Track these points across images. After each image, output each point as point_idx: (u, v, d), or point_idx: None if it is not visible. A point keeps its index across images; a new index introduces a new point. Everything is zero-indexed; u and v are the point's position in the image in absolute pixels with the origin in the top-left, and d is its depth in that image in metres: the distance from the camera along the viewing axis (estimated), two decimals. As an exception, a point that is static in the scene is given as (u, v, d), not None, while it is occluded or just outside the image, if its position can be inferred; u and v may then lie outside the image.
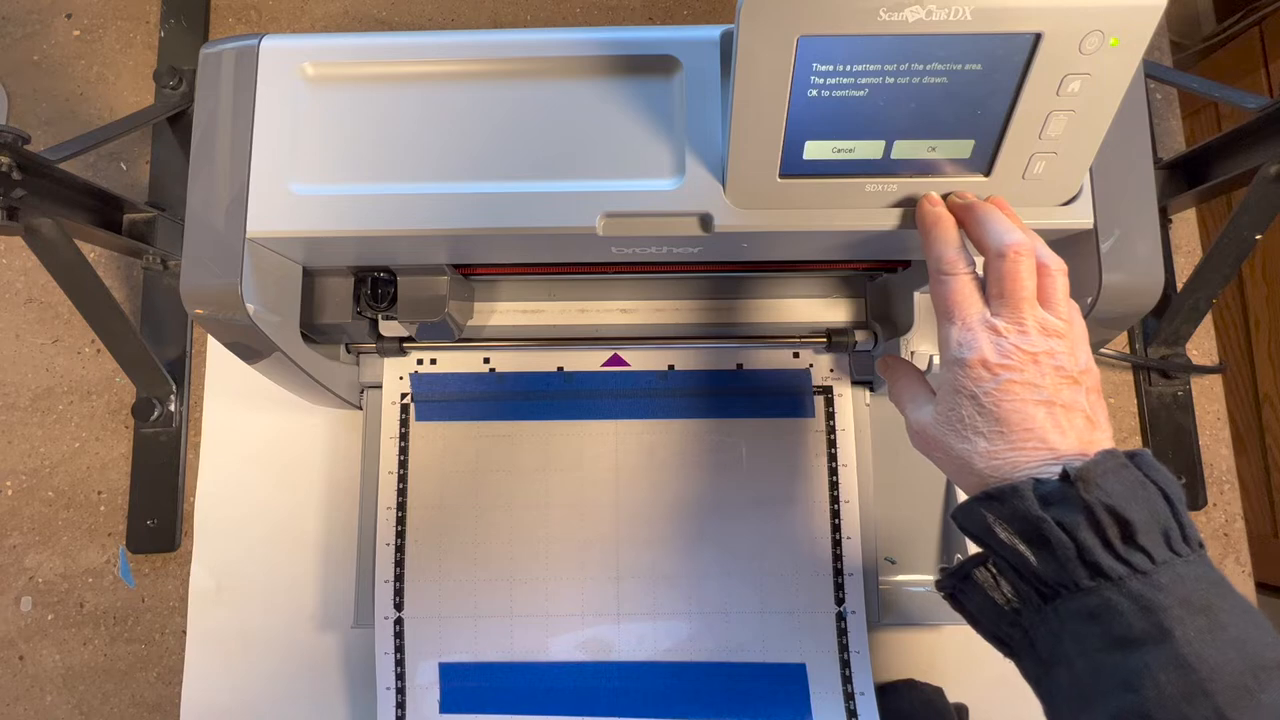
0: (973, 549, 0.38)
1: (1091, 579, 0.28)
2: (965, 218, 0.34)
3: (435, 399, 0.53)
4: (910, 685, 0.52)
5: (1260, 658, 0.26)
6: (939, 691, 0.52)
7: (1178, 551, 0.28)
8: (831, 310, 0.54)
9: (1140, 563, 0.28)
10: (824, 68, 0.31)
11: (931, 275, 0.34)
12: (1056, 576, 0.29)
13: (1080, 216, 0.36)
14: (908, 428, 0.37)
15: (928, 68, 0.31)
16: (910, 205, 0.36)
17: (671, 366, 0.53)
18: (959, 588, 0.33)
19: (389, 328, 0.52)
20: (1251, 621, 0.28)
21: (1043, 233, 0.36)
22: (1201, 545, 0.29)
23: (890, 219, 0.36)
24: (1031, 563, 0.30)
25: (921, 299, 0.45)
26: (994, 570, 0.32)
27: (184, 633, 0.57)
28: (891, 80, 0.31)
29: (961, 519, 0.33)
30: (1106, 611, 0.28)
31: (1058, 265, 0.33)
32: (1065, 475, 0.29)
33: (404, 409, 0.53)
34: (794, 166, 0.34)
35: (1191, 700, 0.25)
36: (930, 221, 0.34)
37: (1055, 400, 0.31)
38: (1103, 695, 0.27)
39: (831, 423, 0.52)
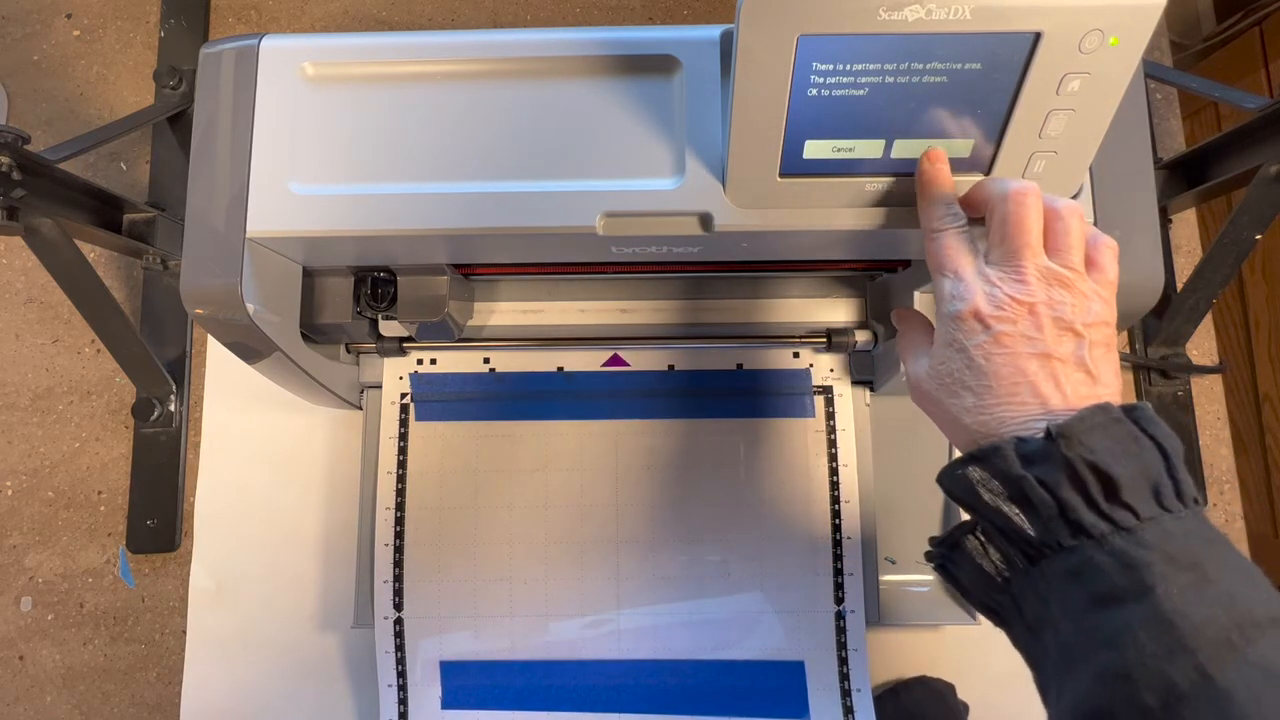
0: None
1: (1073, 537, 0.27)
2: (972, 191, 0.34)
3: (435, 399, 0.53)
4: (921, 681, 0.53)
5: (1250, 614, 0.25)
6: (950, 687, 0.52)
7: (1168, 508, 0.27)
8: (831, 310, 0.54)
9: (1124, 519, 0.27)
10: (824, 67, 0.31)
11: (925, 235, 0.34)
12: (1042, 537, 0.28)
13: (1080, 216, 0.36)
14: (907, 381, 0.36)
15: (928, 67, 0.31)
16: (911, 205, 0.36)
17: (671, 366, 0.53)
18: (948, 557, 0.32)
19: (389, 328, 0.52)
20: (1245, 578, 0.27)
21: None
22: (1197, 501, 0.28)
23: (890, 219, 0.36)
24: (1017, 523, 0.29)
25: (922, 299, 0.45)
26: (983, 538, 0.31)
27: (184, 633, 0.57)
28: (891, 80, 0.31)
29: (946, 482, 0.31)
30: (1088, 569, 0.27)
31: (1069, 208, 0.31)
32: (1049, 432, 0.28)
33: (404, 409, 0.53)
34: (794, 166, 0.34)
35: (1172, 657, 0.25)
36: (926, 179, 0.34)
37: (1052, 353, 0.30)
38: (1086, 655, 0.27)
39: (831, 423, 0.52)
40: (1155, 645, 0.25)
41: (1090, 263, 0.32)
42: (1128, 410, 0.29)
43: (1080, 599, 0.27)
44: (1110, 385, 0.31)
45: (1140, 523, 0.27)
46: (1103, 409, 0.29)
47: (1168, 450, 0.28)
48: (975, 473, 0.30)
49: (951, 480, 0.31)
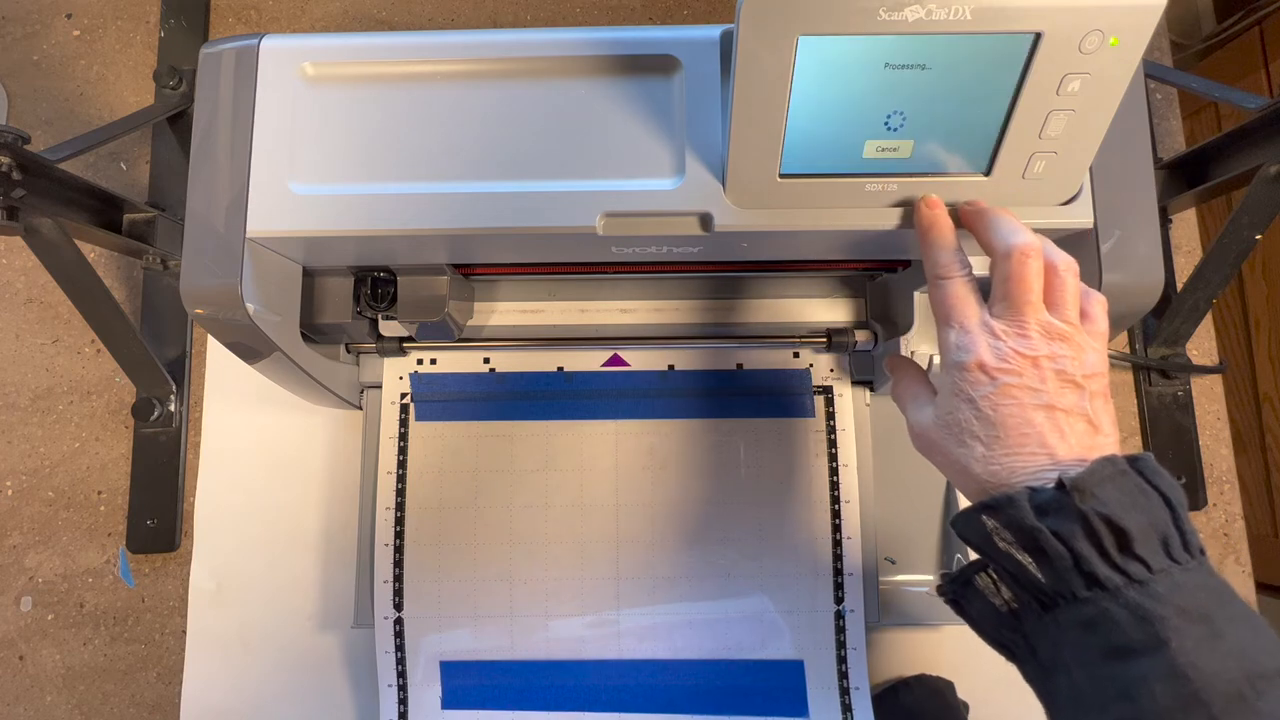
0: (972, 552, 0.38)
1: (1088, 589, 0.28)
2: (975, 221, 0.34)
3: (435, 399, 0.53)
4: (920, 680, 0.53)
5: (1259, 666, 0.26)
6: (949, 685, 0.53)
7: (1177, 560, 0.28)
8: (831, 310, 0.54)
9: (1137, 572, 0.28)
10: (824, 67, 0.31)
11: (929, 279, 0.34)
12: (1055, 586, 0.29)
13: (1080, 216, 0.36)
14: (909, 428, 0.37)
15: (928, 67, 0.31)
16: (910, 205, 0.36)
17: (671, 366, 0.53)
18: (960, 593, 0.33)
19: (389, 328, 0.52)
20: (1252, 629, 0.27)
21: (1043, 233, 0.36)
22: (1203, 552, 0.29)
23: (890, 219, 0.36)
24: (1031, 572, 0.29)
25: (921, 299, 0.45)
26: (994, 576, 0.32)
27: (184, 633, 0.57)
28: (891, 79, 0.31)
29: (961, 528, 0.32)
30: (1104, 621, 0.28)
31: (1066, 265, 0.32)
32: (1061, 484, 0.29)
33: (404, 409, 0.53)
34: (794, 166, 0.34)
35: (1187, 710, 0.25)
36: (926, 225, 0.34)
37: (1056, 405, 0.31)
38: (1101, 704, 0.27)
39: (831, 423, 0.52)
40: (1170, 699, 0.26)
41: (1083, 315, 0.33)
42: (1131, 461, 0.29)
43: (1094, 649, 0.28)
44: (1110, 434, 0.32)
45: (1152, 575, 0.28)
46: (1110, 461, 0.29)
47: (1173, 502, 0.29)
48: (989, 521, 0.30)
49: (966, 526, 0.32)
